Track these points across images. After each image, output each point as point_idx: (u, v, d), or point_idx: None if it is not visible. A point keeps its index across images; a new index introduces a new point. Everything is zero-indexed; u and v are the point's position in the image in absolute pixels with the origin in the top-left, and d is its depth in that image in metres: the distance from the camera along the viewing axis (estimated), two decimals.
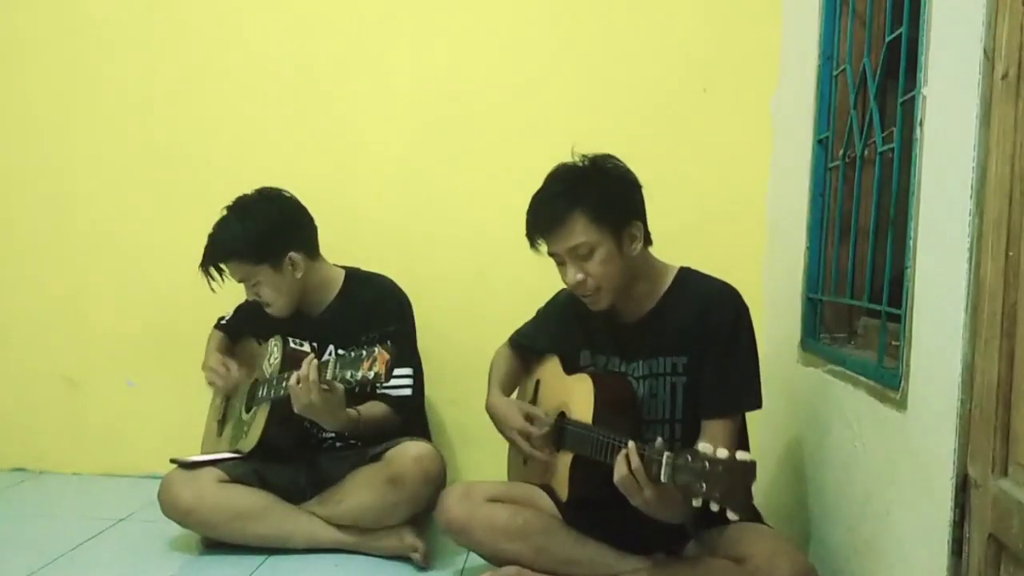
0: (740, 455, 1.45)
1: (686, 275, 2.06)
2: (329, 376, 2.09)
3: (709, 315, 1.95)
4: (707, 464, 1.46)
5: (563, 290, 2.21)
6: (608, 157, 2.00)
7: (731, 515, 1.43)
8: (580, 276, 1.93)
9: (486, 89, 2.90)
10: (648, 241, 2.02)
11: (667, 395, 1.99)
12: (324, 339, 2.48)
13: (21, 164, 3.08)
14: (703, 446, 1.49)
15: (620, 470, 1.68)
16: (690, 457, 1.50)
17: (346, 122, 2.95)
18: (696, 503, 1.48)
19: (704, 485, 1.46)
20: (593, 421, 1.93)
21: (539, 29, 2.88)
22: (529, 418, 2.11)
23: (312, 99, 2.96)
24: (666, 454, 1.56)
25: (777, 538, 1.89)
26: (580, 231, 1.90)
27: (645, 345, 2.02)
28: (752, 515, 1.55)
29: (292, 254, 2.42)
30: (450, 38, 2.91)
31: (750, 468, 1.44)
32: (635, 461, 1.65)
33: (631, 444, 1.68)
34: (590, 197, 1.91)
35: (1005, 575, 1.21)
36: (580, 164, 2.00)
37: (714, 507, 1.45)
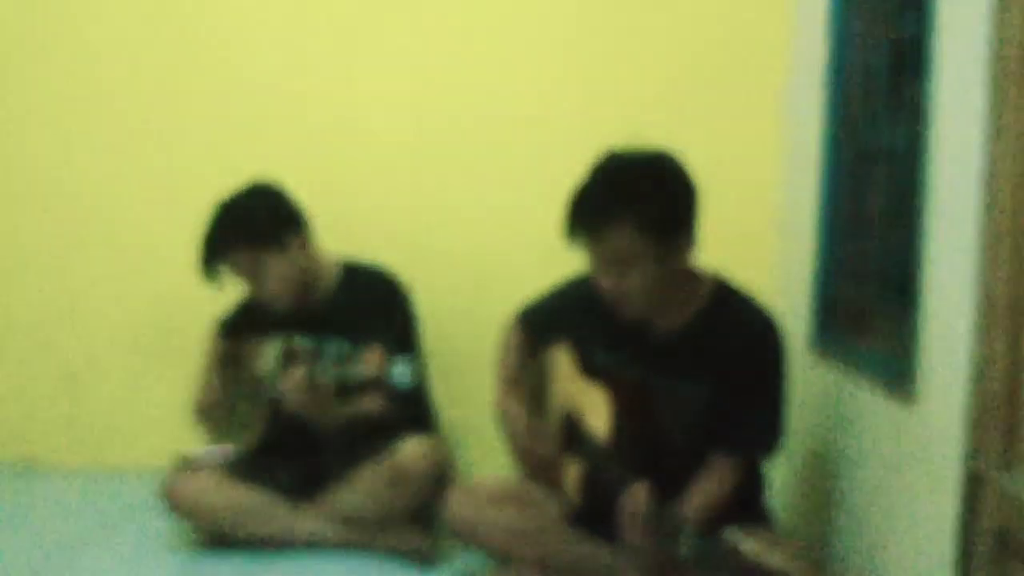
0: (774, 561, 1.33)
1: (724, 293, 1.91)
2: (325, 375, 2.09)
3: (744, 349, 1.83)
4: (735, 559, 1.36)
5: (586, 275, 2.01)
6: (666, 158, 1.84)
7: None
8: (613, 284, 1.81)
9: (490, 82, 2.88)
10: (692, 247, 1.87)
11: (687, 420, 1.88)
12: (325, 332, 2.47)
13: (21, 161, 3.07)
14: (730, 534, 1.40)
15: (628, 508, 1.66)
16: (715, 544, 1.41)
17: (347, 115, 2.94)
18: None
19: None
20: (608, 441, 1.86)
21: (545, 22, 2.86)
22: (535, 432, 2.07)
23: (313, 93, 2.94)
24: (685, 528, 1.49)
25: (788, 553, 1.86)
26: (624, 240, 1.75)
27: (671, 364, 1.88)
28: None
29: (295, 234, 2.43)
30: (452, 30, 2.90)
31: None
32: (640, 508, 1.62)
33: (642, 495, 1.63)
34: (642, 206, 1.75)
35: (1012, 569, 1.21)
36: (636, 161, 1.82)
37: None
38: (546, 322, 2.18)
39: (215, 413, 2.52)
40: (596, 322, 1.99)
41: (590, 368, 2.02)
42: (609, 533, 1.92)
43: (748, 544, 1.35)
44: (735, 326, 1.86)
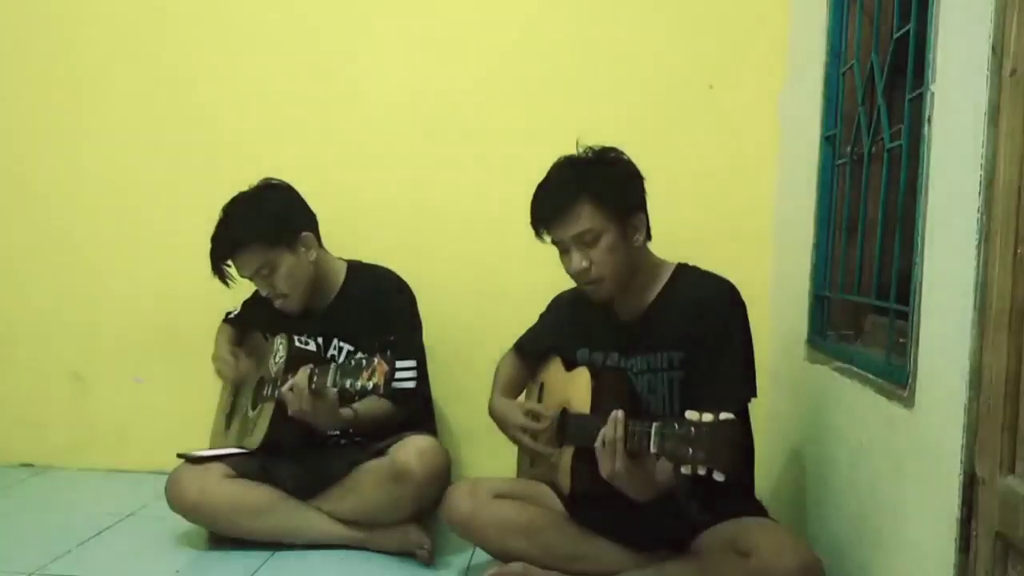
0: (723, 415, 1.49)
1: (683, 271, 2.07)
2: (329, 383, 2.11)
3: (704, 310, 1.95)
4: (692, 429, 1.50)
5: (561, 293, 2.25)
6: (611, 149, 2.02)
7: (717, 476, 1.46)
8: (585, 263, 1.94)
9: (492, 85, 2.90)
10: (648, 236, 2.03)
11: (665, 390, 1.99)
12: (329, 333, 2.49)
13: (28, 162, 3.09)
14: (690, 413, 1.52)
15: (599, 436, 1.73)
16: (677, 425, 1.54)
17: (351, 118, 2.95)
18: (685, 470, 1.50)
19: (691, 450, 1.48)
20: (591, 408, 1.93)
21: (546, 26, 2.88)
22: (531, 415, 2.11)
23: (318, 95, 2.96)
24: (655, 424, 1.60)
25: (782, 531, 1.89)
26: (586, 217, 1.91)
27: (643, 341, 2.02)
28: (738, 474, 1.57)
29: (305, 233, 2.44)
30: (455, 34, 2.91)
31: (728, 425, 1.48)
32: (619, 430, 1.69)
33: (619, 413, 1.72)
34: (597, 184, 1.93)
35: (1012, 572, 1.21)
36: (584, 155, 2.01)
37: (701, 471, 1.48)
38: (534, 340, 2.32)
39: (240, 363, 2.56)
40: (574, 324, 2.17)
41: (574, 366, 2.12)
42: (607, 524, 2.00)
43: (707, 414, 1.50)
44: (693, 293, 2.00)
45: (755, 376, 1.98)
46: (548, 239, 1.99)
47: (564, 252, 1.98)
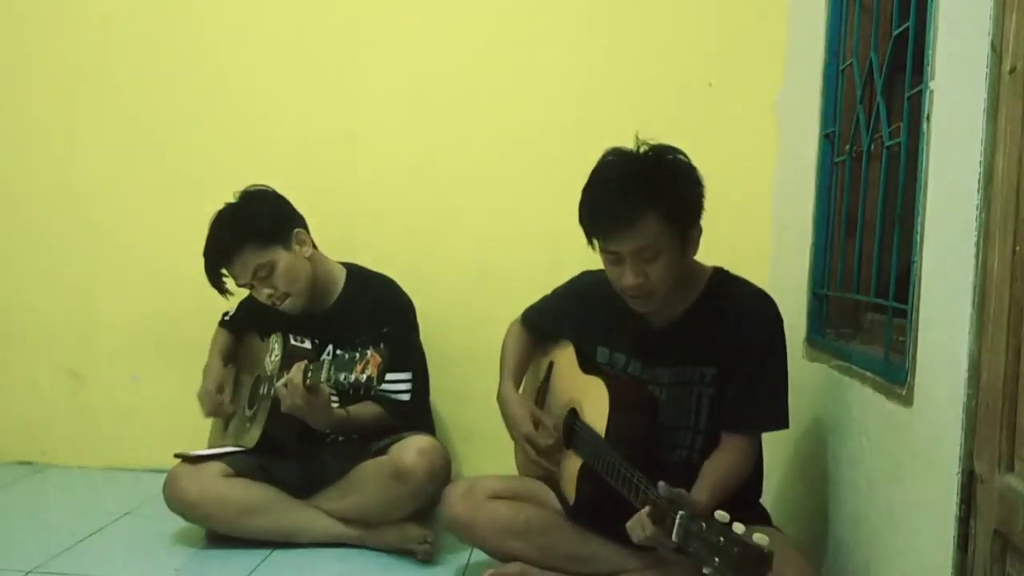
0: (758, 539, 1.33)
1: (721, 279, 1.96)
2: (323, 378, 2.11)
3: (743, 327, 1.86)
4: (722, 540, 1.37)
5: (586, 274, 2.13)
6: (672, 150, 1.86)
7: None
8: (640, 279, 1.80)
9: (491, 84, 2.89)
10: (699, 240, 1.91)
11: (693, 404, 1.92)
12: (325, 338, 2.49)
13: (27, 160, 3.09)
14: (720, 515, 1.40)
15: (637, 534, 1.64)
16: (705, 525, 1.42)
17: (350, 117, 2.95)
18: (706, 571, 1.39)
19: (717, 560, 1.36)
20: (606, 433, 1.87)
21: (545, 25, 2.87)
22: (537, 423, 2.08)
23: (317, 94, 2.96)
24: (680, 514, 1.49)
25: (784, 543, 1.84)
26: (651, 232, 1.76)
27: (672, 352, 1.94)
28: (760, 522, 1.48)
29: (299, 230, 2.44)
30: (454, 34, 2.91)
31: (766, 559, 1.32)
32: (648, 529, 1.59)
33: (644, 515, 1.60)
34: (667, 197, 1.77)
35: (1011, 570, 1.20)
36: (651, 157, 1.84)
37: None
38: (548, 320, 2.24)
39: (219, 399, 2.54)
40: (596, 319, 2.07)
41: (591, 365, 2.07)
42: (606, 527, 1.95)
43: (738, 524, 1.38)
44: (731, 307, 1.89)
45: (787, 405, 1.89)
46: (597, 244, 1.84)
47: (616, 263, 1.83)
